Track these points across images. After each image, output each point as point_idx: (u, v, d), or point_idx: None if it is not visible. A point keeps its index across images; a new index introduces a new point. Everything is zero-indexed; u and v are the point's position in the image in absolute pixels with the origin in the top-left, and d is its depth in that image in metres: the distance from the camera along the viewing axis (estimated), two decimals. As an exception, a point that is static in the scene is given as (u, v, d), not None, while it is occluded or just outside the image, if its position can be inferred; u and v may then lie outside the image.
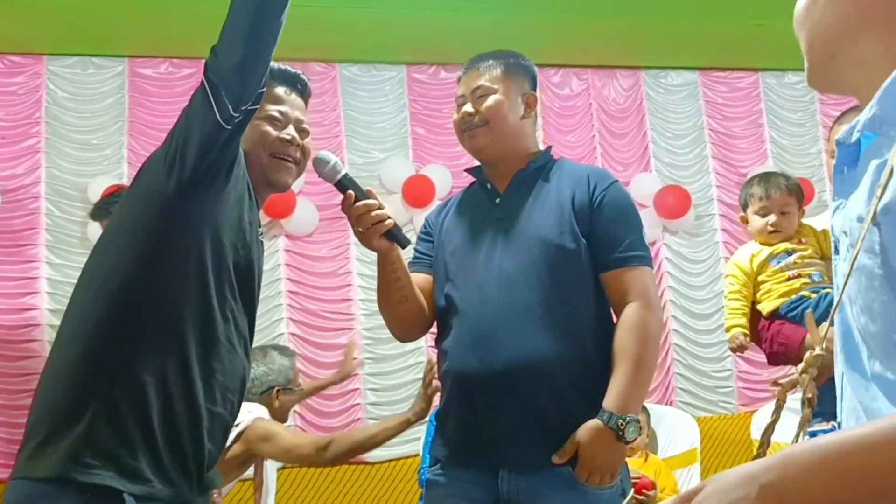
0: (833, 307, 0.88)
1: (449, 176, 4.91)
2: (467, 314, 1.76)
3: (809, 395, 0.89)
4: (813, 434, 2.00)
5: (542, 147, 1.96)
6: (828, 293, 2.28)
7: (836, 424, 1.92)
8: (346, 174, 1.70)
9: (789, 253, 2.42)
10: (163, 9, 4.33)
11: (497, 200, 1.86)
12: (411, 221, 4.86)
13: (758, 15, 4.60)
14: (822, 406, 1.89)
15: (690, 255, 5.52)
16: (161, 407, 1.42)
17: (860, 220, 0.81)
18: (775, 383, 0.90)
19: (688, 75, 5.71)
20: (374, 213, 1.66)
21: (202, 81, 1.46)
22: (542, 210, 1.79)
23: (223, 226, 1.52)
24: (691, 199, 5.42)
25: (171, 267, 1.47)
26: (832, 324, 0.89)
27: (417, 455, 4.18)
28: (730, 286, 2.56)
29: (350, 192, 1.68)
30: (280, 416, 2.70)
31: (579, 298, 1.75)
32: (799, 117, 5.73)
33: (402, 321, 1.87)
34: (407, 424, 2.26)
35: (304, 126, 1.74)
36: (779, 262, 2.42)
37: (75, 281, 1.55)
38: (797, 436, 0.91)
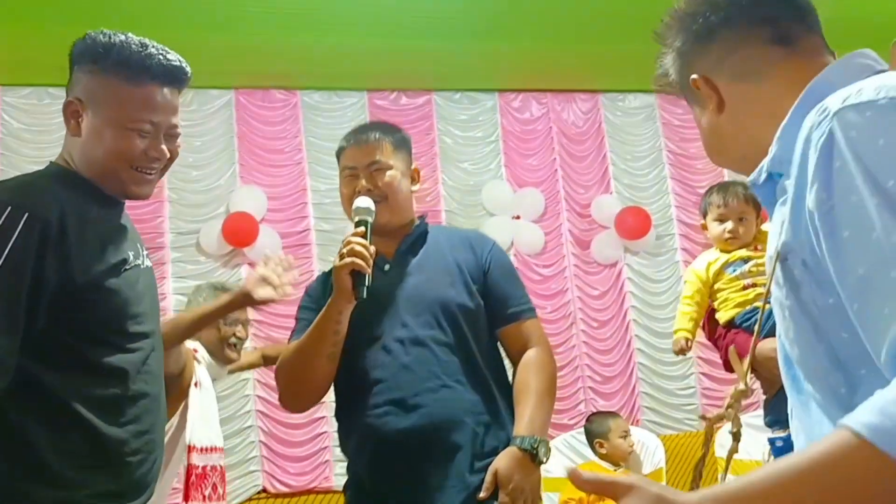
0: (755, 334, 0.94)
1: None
2: (380, 380, 1.78)
3: (734, 430, 0.94)
4: (772, 441, 2.03)
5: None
6: None
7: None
8: (369, 221, 1.81)
9: (745, 261, 2.45)
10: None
11: (386, 267, 1.89)
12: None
13: (711, 39, 4.71)
14: (780, 415, 1.92)
15: (652, 275, 5.59)
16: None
17: (770, 257, 0.86)
18: (703, 417, 0.95)
19: (645, 98, 5.82)
20: (368, 255, 1.72)
21: None
22: (435, 272, 1.88)
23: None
24: (651, 219, 5.50)
25: None
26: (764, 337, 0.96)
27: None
28: (684, 291, 2.61)
29: (362, 229, 1.78)
30: (214, 350, 2.70)
31: (481, 352, 1.85)
32: (753, 138, 5.87)
33: (320, 380, 1.85)
34: (228, 308, 2.21)
35: (176, 130, 1.62)
36: (734, 270, 2.46)
37: None
38: (726, 467, 0.95)
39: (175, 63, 1.62)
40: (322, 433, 4.86)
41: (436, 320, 1.81)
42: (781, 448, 2.12)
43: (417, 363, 1.77)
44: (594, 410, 5.29)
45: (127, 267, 1.54)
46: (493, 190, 5.34)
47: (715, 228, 2.53)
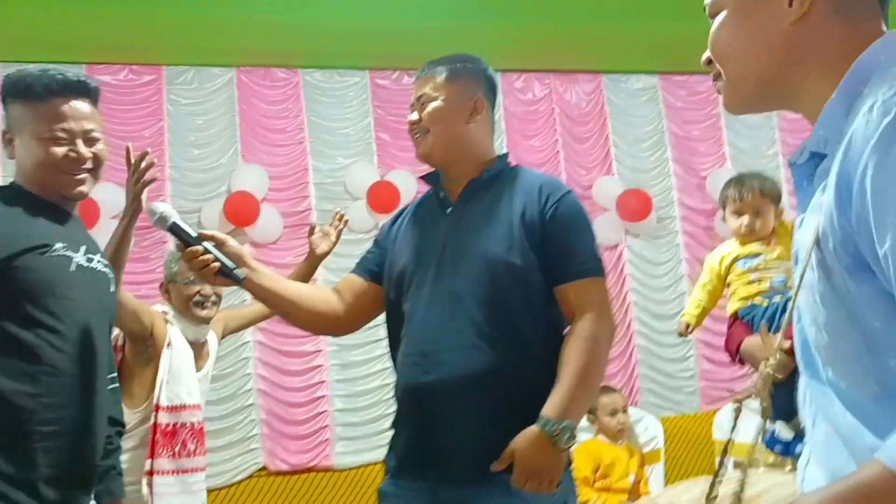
0: (787, 315, 0.92)
1: (414, 182, 4.91)
2: (415, 329, 1.79)
3: (765, 405, 0.93)
4: (772, 432, 2.05)
5: (498, 153, 1.96)
6: (776, 301, 2.36)
7: (785, 425, 1.96)
8: (174, 222, 1.75)
9: (756, 255, 2.49)
10: (122, 14, 4.28)
11: (448, 210, 1.87)
12: (377, 227, 4.86)
13: (715, 20, 4.68)
14: (776, 407, 1.94)
15: (653, 258, 5.59)
16: None
17: (803, 244, 0.85)
18: (734, 395, 0.96)
19: (648, 79, 5.79)
20: (199, 259, 1.72)
21: None
22: (492, 224, 1.80)
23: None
24: (653, 202, 5.49)
25: None
26: (782, 330, 0.94)
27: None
28: (700, 278, 2.69)
29: (179, 242, 1.75)
30: (183, 311, 2.78)
31: (526, 314, 1.76)
32: (756, 120, 5.84)
33: (301, 328, 2.02)
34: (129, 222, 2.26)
35: (94, 134, 1.84)
36: (745, 265, 2.50)
37: None
38: (755, 441, 0.95)
39: (73, 78, 1.81)
40: (323, 412, 4.89)
41: (479, 276, 1.74)
42: (772, 440, 2.16)
43: (450, 319, 1.74)
44: (593, 391, 5.33)
45: (51, 253, 1.68)
46: (494, 171, 5.33)
47: (733, 222, 2.57)
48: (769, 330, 2.30)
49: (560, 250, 1.76)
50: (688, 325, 2.61)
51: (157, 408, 2.60)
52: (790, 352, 0.93)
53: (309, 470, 4.81)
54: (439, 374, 1.73)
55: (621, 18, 4.75)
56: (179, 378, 2.68)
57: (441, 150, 1.86)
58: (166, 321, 2.75)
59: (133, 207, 2.22)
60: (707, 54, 1.00)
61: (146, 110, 4.93)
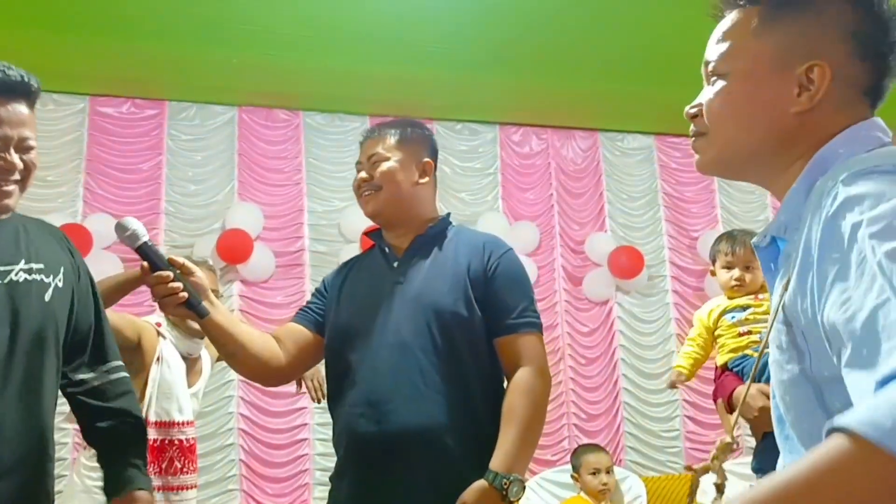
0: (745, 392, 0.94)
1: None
2: (364, 379, 1.79)
3: (719, 482, 0.93)
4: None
5: (441, 213, 2.01)
6: (766, 353, 2.37)
7: None
8: (145, 242, 1.68)
9: (744, 308, 2.51)
10: (126, 48, 4.34)
11: (395, 264, 1.91)
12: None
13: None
14: (765, 463, 1.93)
15: (642, 315, 5.61)
16: None
17: (770, 322, 0.88)
18: (688, 468, 0.94)
19: (644, 139, 5.87)
20: (168, 286, 1.67)
21: None
22: (438, 277, 1.84)
23: None
24: (644, 260, 5.52)
25: None
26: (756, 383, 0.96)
27: None
28: (690, 333, 2.72)
29: (145, 263, 1.68)
30: (178, 323, 2.69)
31: (472, 364, 1.79)
32: (749, 185, 5.92)
33: (240, 372, 1.98)
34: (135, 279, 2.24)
35: (28, 143, 1.63)
36: (733, 318, 2.52)
37: None
38: None
39: (15, 77, 1.62)
40: (303, 455, 4.83)
41: (427, 327, 1.78)
42: None
43: (399, 369, 1.76)
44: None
45: None
46: (488, 222, 5.36)
47: (723, 276, 2.60)
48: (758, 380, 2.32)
49: (500, 304, 1.82)
50: (679, 375, 2.62)
51: (147, 423, 2.51)
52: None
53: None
54: (387, 424, 1.74)
55: (620, 79, 4.84)
56: (170, 394, 2.62)
57: (391, 208, 1.92)
58: (158, 333, 2.68)
59: (137, 281, 2.22)
60: (694, 108, 1.03)
61: (146, 143, 4.97)
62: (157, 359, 2.63)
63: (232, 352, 1.83)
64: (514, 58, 4.67)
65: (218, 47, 4.40)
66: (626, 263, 5.45)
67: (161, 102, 4.99)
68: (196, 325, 2.65)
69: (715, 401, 2.51)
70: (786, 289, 0.85)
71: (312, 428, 4.83)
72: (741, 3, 0.99)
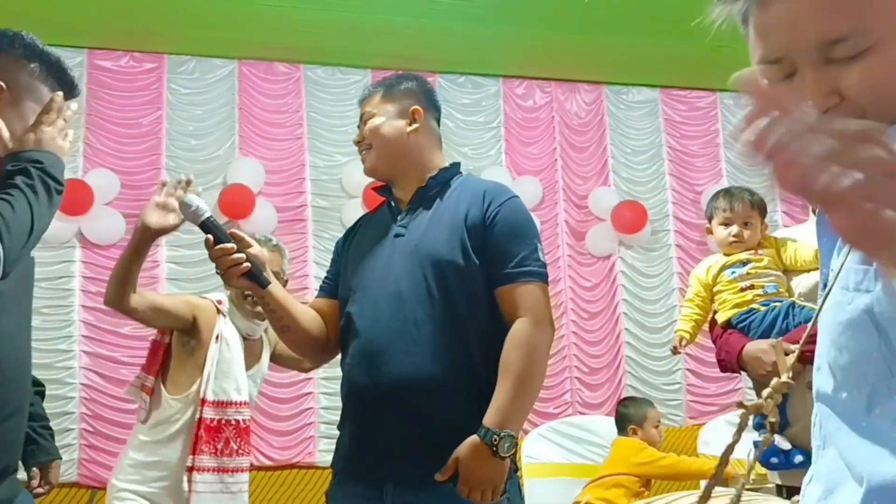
0: (807, 333, 0.90)
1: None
2: (361, 330, 1.80)
3: (772, 420, 0.92)
4: (756, 443, 2.05)
5: (447, 163, 1.99)
6: (776, 307, 2.36)
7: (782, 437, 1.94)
8: (208, 217, 1.74)
9: (744, 263, 2.50)
10: (126, 0, 4.28)
11: (399, 217, 1.91)
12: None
13: (718, 38, 4.70)
14: (762, 419, 1.93)
15: (645, 270, 5.61)
16: None
17: (861, 261, 0.83)
18: (741, 405, 0.91)
19: (648, 92, 5.81)
20: (231, 257, 1.71)
21: None
22: (437, 227, 1.83)
23: None
24: (648, 214, 5.51)
25: None
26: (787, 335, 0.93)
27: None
28: (686, 295, 2.68)
29: (209, 236, 1.72)
30: (238, 304, 2.66)
31: (469, 315, 1.77)
32: (754, 138, 5.87)
33: (293, 347, 2.00)
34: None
35: None
36: (733, 273, 2.50)
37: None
38: (755, 456, 0.93)
39: (70, 74, 1.64)
40: (308, 409, 4.88)
41: (424, 278, 1.77)
42: (768, 452, 2.16)
43: (394, 320, 1.76)
44: (579, 401, 5.33)
45: None
46: (491, 176, 5.33)
47: (720, 232, 2.58)
48: (762, 335, 2.31)
49: (500, 254, 1.78)
50: (682, 340, 2.62)
51: (203, 402, 2.50)
52: (802, 359, 0.92)
53: (292, 466, 4.81)
54: (379, 375, 1.74)
55: (625, 31, 4.77)
56: (228, 372, 2.58)
57: (384, 164, 1.91)
58: (218, 311, 2.63)
59: (144, 235, 2.22)
60: (832, 98, 0.84)
61: (146, 98, 4.92)
62: (216, 337, 2.58)
63: (287, 325, 1.85)
64: (517, 10, 4.59)
65: (216, -1, 4.34)
66: (630, 218, 5.44)
67: (160, 56, 4.93)
68: (254, 308, 2.62)
69: (719, 360, 2.49)
70: None
71: (317, 382, 4.87)
72: None
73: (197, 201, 1.73)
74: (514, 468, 1.77)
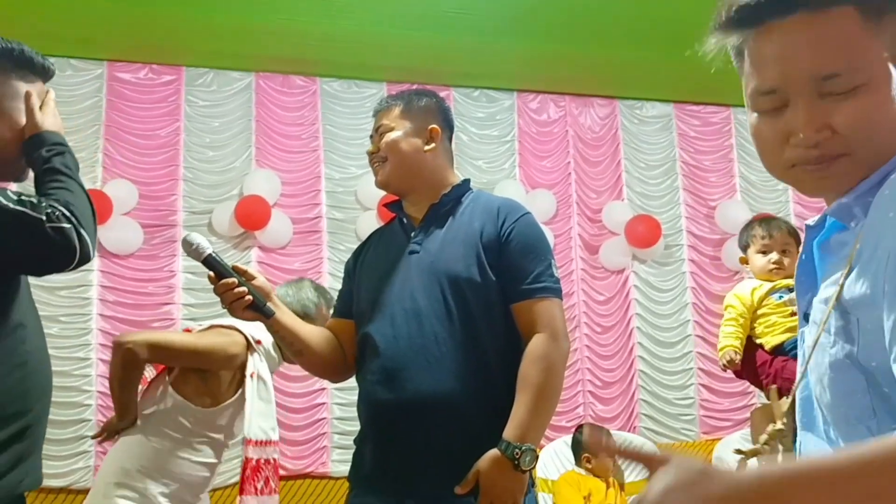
0: (799, 376, 0.91)
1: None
2: (381, 348, 1.82)
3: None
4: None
5: (459, 180, 2.00)
6: None
7: None
8: (210, 254, 1.77)
9: (790, 290, 2.47)
10: (144, 13, 4.34)
11: (412, 234, 1.92)
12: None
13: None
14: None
15: (658, 284, 5.60)
16: None
17: (825, 302, 0.85)
18: (738, 451, 0.93)
19: (662, 107, 5.82)
20: (234, 291, 1.73)
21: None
22: (452, 244, 1.85)
23: None
24: (661, 228, 5.50)
25: None
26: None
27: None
28: (728, 315, 2.63)
29: (211, 273, 1.75)
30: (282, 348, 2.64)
31: (487, 330, 1.79)
32: (769, 153, 5.86)
33: (308, 369, 2.03)
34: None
35: None
36: (781, 297, 2.47)
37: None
38: None
39: (38, 59, 1.61)
40: (321, 419, 4.90)
41: (442, 294, 1.79)
42: None
43: (414, 337, 1.78)
44: (592, 415, 5.32)
45: None
46: (505, 190, 5.35)
47: (759, 260, 2.56)
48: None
49: (515, 270, 1.81)
50: (735, 352, 2.56)
51: (248, 441, 2.47)
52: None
53: (305, 476, 4.82)
54: (402, 391, 1.76)
55: (639, 46, 4.78)
56: (265, 412, 2.57)
57: (398, 178, 1.93)
58: (248, 346, 2.54)
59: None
60: (822, 132, 0.89)
61: (164, 110, 4.99)
62: (252, 374, 2.54)
63: (299, 349, 1.88)
64: (532, 24, 4.62)
65: (235, 12, 4.39)
66: (643, 232, 5.44)
67: (178, 68, 4.99)
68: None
69: (767, 386, 2.45)
70: (845, 277, 0.81)
71: (330, 392, 4.89)
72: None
73: (199, 239, 1.77)
74: (532, 483, 1.78)
